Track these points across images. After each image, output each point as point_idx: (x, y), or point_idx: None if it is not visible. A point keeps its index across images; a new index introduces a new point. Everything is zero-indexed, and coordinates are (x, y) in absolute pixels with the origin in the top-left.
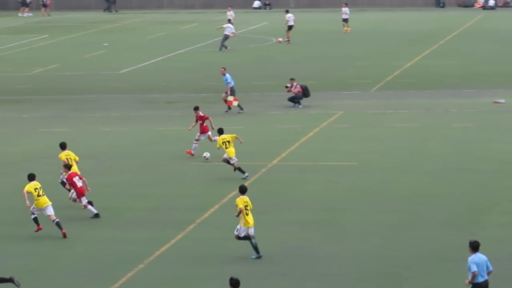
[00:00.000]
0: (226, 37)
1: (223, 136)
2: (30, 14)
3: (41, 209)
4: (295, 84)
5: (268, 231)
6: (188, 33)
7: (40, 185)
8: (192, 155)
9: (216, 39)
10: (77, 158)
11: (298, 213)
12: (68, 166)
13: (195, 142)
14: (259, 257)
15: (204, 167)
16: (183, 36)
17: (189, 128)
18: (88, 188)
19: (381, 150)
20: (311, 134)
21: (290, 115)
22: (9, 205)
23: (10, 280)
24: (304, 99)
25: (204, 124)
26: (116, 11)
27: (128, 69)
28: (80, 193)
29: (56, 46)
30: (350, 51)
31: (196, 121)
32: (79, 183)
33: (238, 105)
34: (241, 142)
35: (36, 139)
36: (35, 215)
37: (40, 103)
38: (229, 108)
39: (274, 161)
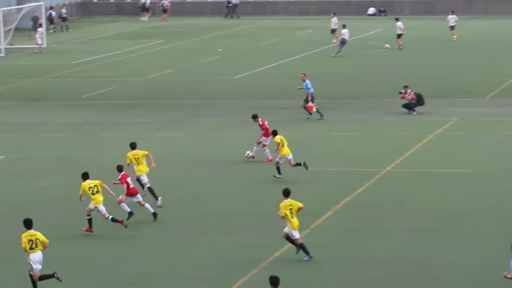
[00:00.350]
0: (344, 42)
1: (279, 136)
2: (147, 19)
3: (98, 207)
4: (409, 91)
5: (383, 239)
6: (303, 39)
7: (95, 183)
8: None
9: (331, 45)
10: (146, 153)
11: (412, 221)
12: (119, 168)
13: (256, 145)
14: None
15: (319, 173)
16: (298, 42)
17: (261, 139)
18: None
19: (496, 157)
20: (425, 141)
21: (405, 122)
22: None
23: (53, 275)
24: (418, 106)
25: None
26: (232, 17)
27: (243, 74)
28: (131, 194)
29: (172, 51)
30: (464, 58)
31: (263, 128)
32: (132, 184)
33: (317, 111)
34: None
35: (151, 144)
36: (111, 216)
37: (155, 108)
38: (310, 114)
39: (388, 168)
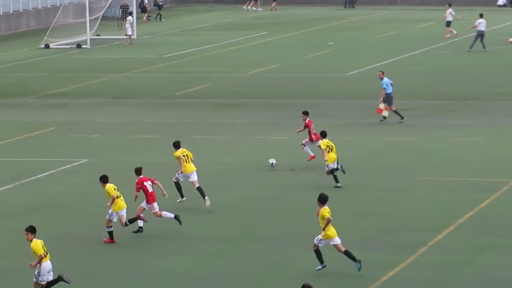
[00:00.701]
0: (480, 34)
1: (328, 140)
2: (260, 9)
3: (118, 212)
4: None
5: (509, 258)
6: (424, 33)
7: (115, 186)
8: (313, 157)
9: (455, 39)
10: (191, 155)
11: None
12: (137, 171)
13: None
14: (323, 267)
15: (438, 183)
16: (418, 36)
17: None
18: (165, 193)
19: None
20: None
21: None
22: (221, 220)
23: (59, 278)
24: None
25: (314, 132)
26: (352, 7)
27: (355, 71)
28: (151, 199)
29: (276, 44)
30: None
31: (308, 128)
32: (151, 189)
33: (396, 113)
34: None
35: (251, 148)
36: (112, 228)
37: (256, 107)
38: (384, 117)
39: None
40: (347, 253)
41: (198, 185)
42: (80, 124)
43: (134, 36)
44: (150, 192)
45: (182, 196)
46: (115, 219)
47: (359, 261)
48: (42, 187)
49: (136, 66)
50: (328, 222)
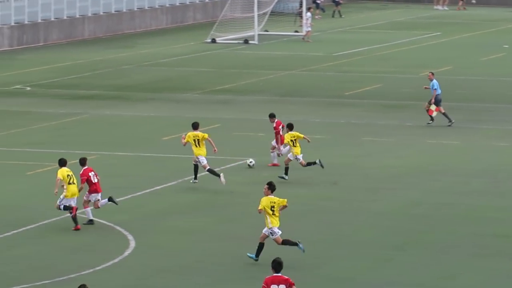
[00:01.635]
0: None
1: (292, 133)
2: (446, 8)
3: (71, 199)
4: None
5: None
6: None
7: (72, 172)
8: (275, 164)
9: None
10: (206, 135)
11: None
12: (81, 161)
13: (272, 151)
14: (255, 260)
15: None
16: None
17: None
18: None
19: None
20: None
21: None
22: (389, 225)
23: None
24: None
25: (281, 134)
26: None
27: None
28: (94, 190)
29: (449, 45)
30: None
31: (277, 131)
32: (95, 179)
33: (446, 116)
34: (308, 141)
35: (422, 152)
36: (73, 213)
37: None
38: (431, 118)
39: None
40: (286, 242)
41: (208, 167)
42: (246, 122)
43: (304, 33)
44: (94, 183)
45: (195, 178)
46: (67, 203)
47: (300, 242)
48: (204, 185)
49: (304, 63)
50: (259, 212)
